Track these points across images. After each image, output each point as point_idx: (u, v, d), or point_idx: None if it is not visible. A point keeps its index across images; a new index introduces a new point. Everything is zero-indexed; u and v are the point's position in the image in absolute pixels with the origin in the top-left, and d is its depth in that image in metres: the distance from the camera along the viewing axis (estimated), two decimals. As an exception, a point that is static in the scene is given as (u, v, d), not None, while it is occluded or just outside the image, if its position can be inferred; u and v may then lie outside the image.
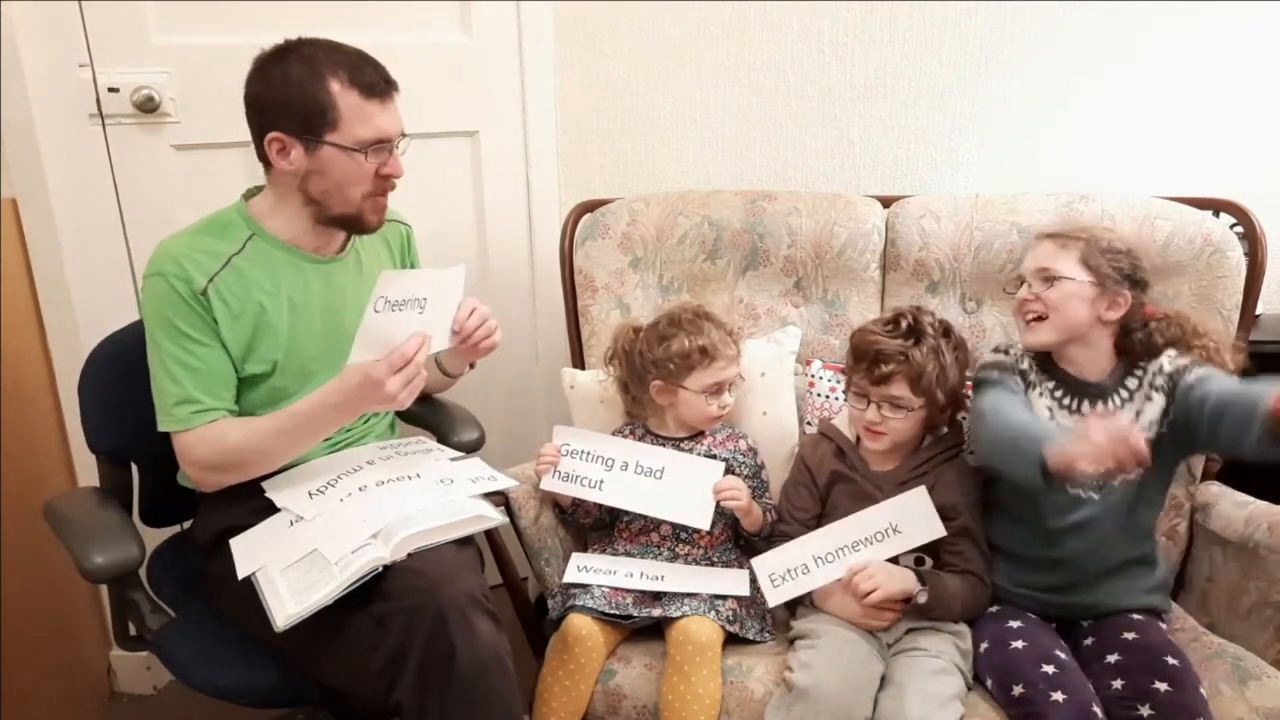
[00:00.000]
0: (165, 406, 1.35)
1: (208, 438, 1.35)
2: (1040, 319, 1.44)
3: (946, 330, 1.54)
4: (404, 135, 1.40)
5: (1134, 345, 1.46)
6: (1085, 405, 1.45)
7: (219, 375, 1.37)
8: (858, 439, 1.60)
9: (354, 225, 1.43)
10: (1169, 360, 1.43)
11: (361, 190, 1.38)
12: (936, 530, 1.41)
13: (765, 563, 1.46)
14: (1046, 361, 1.50)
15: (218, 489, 1.39)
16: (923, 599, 1.40)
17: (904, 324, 1.52)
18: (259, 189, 1.46)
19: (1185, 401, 1.38)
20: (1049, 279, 1.43)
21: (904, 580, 1.41)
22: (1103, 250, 1.43)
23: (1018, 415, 1.39)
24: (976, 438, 1.50)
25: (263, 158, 1.38)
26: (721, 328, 1.61)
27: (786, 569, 1.44)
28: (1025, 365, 1.50)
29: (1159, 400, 1.42)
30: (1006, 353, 1.53)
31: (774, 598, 1.45)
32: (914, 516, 1.41)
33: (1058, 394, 1.47)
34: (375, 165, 1.37)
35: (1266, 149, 1.99)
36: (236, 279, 1.37)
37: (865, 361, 1.51)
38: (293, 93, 1.31)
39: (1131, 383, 1.45)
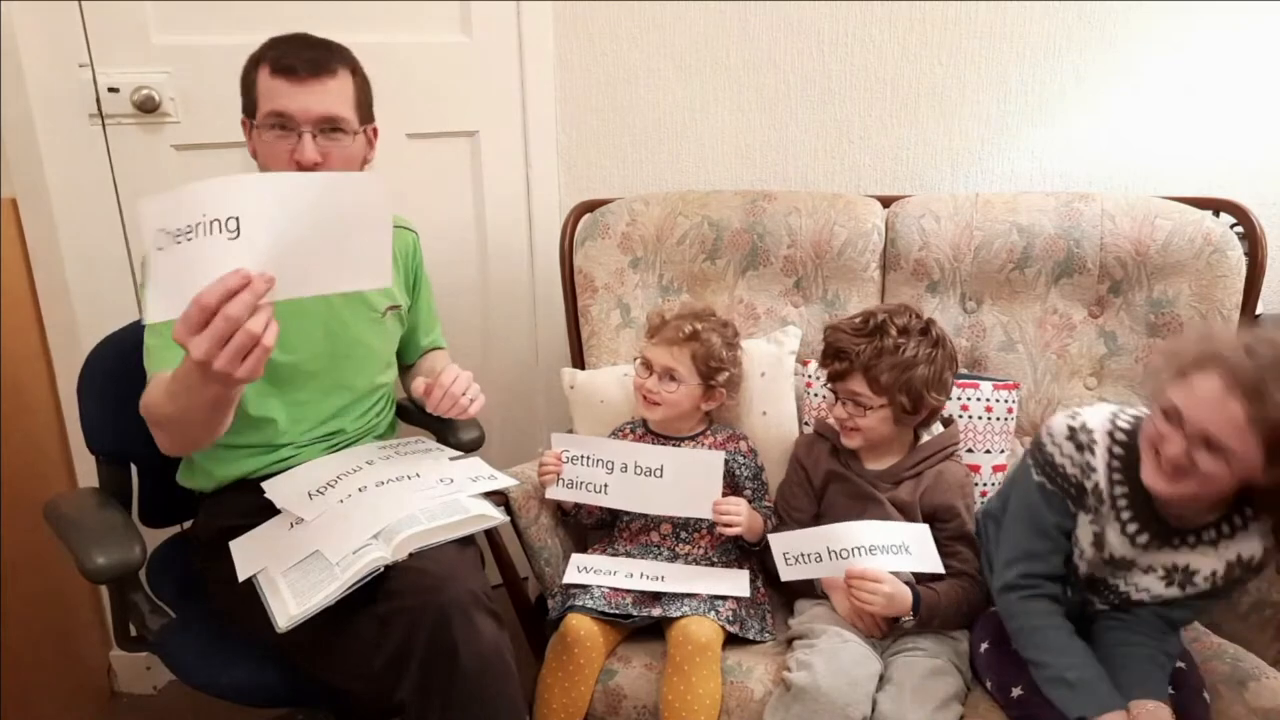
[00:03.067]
0: (147, 349, 1.33)
1: (150, 382, 1.30)
2: (1184, 474, 1.14)
3: (925, 329, 1.52)
4: (331, 125, 1.35)
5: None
6: (1145, 537, 1.26)
7: None
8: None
9: None
10: (1262, 554, 1.23)
11: (270, 158, 1.37)
12: (937, 567, 1.40)
13: (781, 540, 1.45)
14: (1135, 475, 1.23)
15: (172, 452, 1.30)
16: (909, 625, 1.41)
17: (871, 323, 1.51)
18: None
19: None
20: (1213, 447, 1.11)
21: (901, 606, 1.40)
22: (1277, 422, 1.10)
23: (1058, 648, 1.26)
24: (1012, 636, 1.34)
25: None
26: (693, 324, 1.60)
27: (801, 552, 1.44)
28: (1089, 483, 1.27)
29: (1218, 585, 1.26)
30: (1081, 451, 1.27)
31: (786, 574, 1.45)
32: (920, 546, 1.42)
33: (1124, 514, 1.26)
34: (283, 147, 1.35)
35: (1266, 149, 1.99)
36: None
37: (828, 356, 1.54)
38: (243, 81, 1.38)
39: (1208, 535, 1.24)
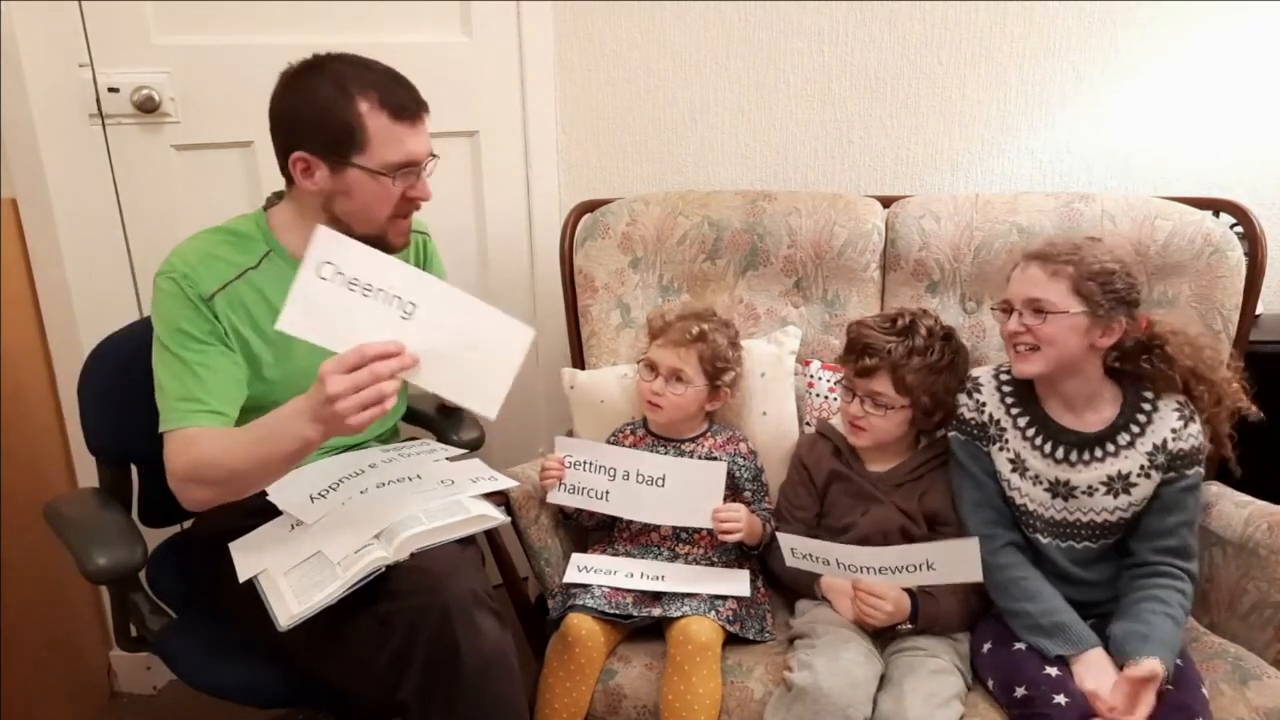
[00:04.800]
0: (167, 405, 1.30)
1: (183, 440, 1.27)
2: (1033, 349, 1.37)
3: (947, 335, 1.54)
4: (433, 156, 1.36)
5: (1140, 370, 1.41)
6: (1061, 451, 1.41)
7: (226, 379, 1.32)
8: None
9: (377, 246, 1.34)
10: (1173, 436, 1.38)
11: (386, 213, 1.34)
12: (975, 576, 1.32)
13: (790, 539, 1.42)
14: (1027, 395, 1.45)
15: (200, 508, 1.30)
16: (906, 630, 1.41)
17: (900, 323, 1.52)
18: (281, 195, 1.42)
19: (1161, 501, 1.39)
20: (1040, 311, 1.35)
21: (901, 616, 1.40)
22: (1094, 274, 1.34)
23: (1032, 595, 1.37)
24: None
25: (286, 174, 1.35)
26: (699, 325, 1.59)
27: (809, 552, 1.41)
28: (985, 417, 1.47)
29: (1154, 479, 1.39)
30: (971, 395, 1.49)
31: (790, 562, 1.43)
32: (957, 560, 1.34)
33: (1035, 437, 1.43)
34: (402, 188, 1.33)
35: (1267, 149, 1.99)
36: (250, 292, 1.36)
37: (854, 353, 1.53)
38: (320, 112, 1.27)
39: (1123, 438, 1.39)
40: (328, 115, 1.27)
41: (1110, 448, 1.40)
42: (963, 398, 1.50)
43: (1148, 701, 1.22)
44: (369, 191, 1.31)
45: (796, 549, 1.42)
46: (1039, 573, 1.41)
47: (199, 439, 1.27)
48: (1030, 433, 1.43)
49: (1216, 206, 1.67)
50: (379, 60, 1.34)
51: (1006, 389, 1.47)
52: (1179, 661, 1.31)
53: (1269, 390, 1.51)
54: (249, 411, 1.33)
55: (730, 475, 1.60)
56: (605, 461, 1.57)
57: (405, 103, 1.30)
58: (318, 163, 1.30)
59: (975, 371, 1.53)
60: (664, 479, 1.54)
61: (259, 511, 1.36)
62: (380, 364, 1.11)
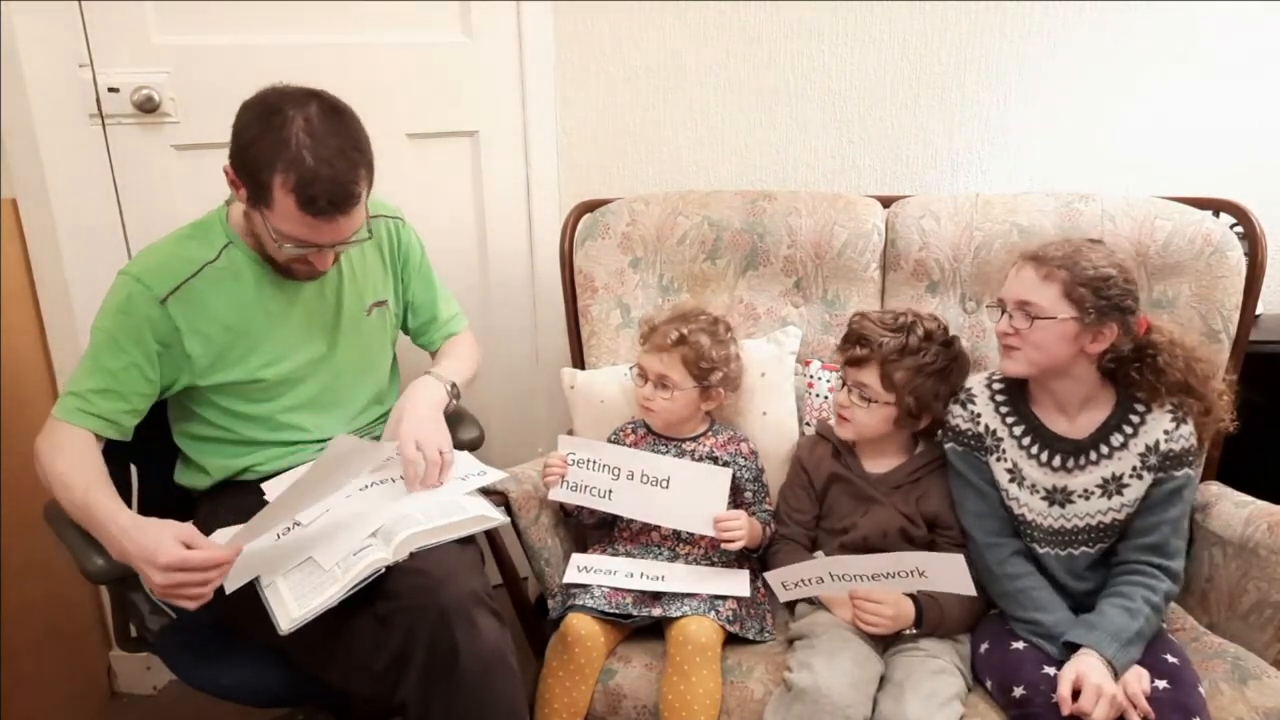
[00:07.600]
0: (65, 392, 1.35)
1: (57, 437, 1.32)
2: (1016, 349, 1.38)
3: (947, 342, 1.54)
4: (364, 237, 1.35)
5: (1130, 378, 1.40)
6: (1058, 459, 1.42)
7: (125, 389, 1.35)
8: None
9: (281, 273, 1.42)
10: (1165, 437, 1.38)
11: (282, 259, 1.36)
12: (967, 589, 1.32)
13: (778, 575, 1.41)
14: (1021, 403, 1.45)
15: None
16: (911, 635, 1.41)
17: (901, 320, 1.53)
18: None
19: (1148, 501, 1.39)
20: (1029, 315, 1.35)
21: (905, 620, 1.40)
22: (1088, 280, 1.33)
23: (1044, 606, 1.37)
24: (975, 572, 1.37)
25: None
26: (679, 329, 1.58)
27: (799, 579, 1.39)
28: (981, 428, 1.46)
29: (1146, 480, 1.39)
30: (965, 406, 1.48)
31: (784, 596, 1.42)
32: (947, 572, 1.33)
33: (1030, 446, 1.43)
34: (297, 253, 1.33)
35: (1266, 149, 1.99)
36: (209, 287, 1.37)
37: (849, 342, 1.55)
38: (250, 156, 1.27)
39: (1116, 439, 1.39)
40: (254, 164, 1.27)
41: (1104, 449, 1.40)
42: (956, 409, 1.50)
43: (1101, 694, 1.21)
44: (266, 236, 1.33)
45: (786, 581, 1.40)
46: (1046, 582, 1.41)
47: (65, 447, 1.32)
48: (1026, 441, 1.43)
49: (1216, 206, 1.67)
50: (352, 123, 1.30)
51: (1000, 398, 1.47)
52: (1174, 659, 1.31)
53: (1269, 390, 1.51)
54: (227, 389, 1.40)
55: (731, 475, 1.60)
56: (609, 460, 1.57)
57: (318, 199, 1.25)
58: (240, 185, 1.31)
59: (968, 381, 1.53)
60: (668, 480, 1.53)
61: (257, 510, 1.36)
62: (209, 574, 1.17)
